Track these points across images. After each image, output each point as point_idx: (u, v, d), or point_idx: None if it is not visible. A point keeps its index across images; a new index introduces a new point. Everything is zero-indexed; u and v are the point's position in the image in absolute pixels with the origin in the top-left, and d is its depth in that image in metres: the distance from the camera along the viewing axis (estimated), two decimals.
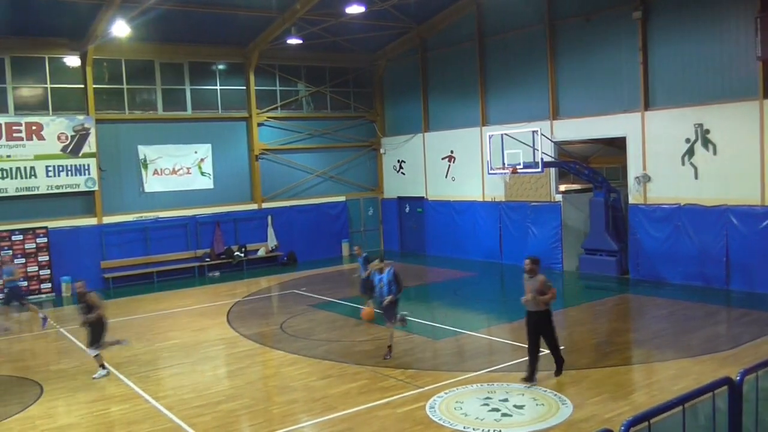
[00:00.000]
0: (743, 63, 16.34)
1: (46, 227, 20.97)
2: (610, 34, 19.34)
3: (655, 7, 18.13)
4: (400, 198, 27.34)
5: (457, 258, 23.92)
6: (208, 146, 24.18)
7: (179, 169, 23.61)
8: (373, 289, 13.76)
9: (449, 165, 24.78)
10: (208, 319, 16.73)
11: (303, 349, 13.35)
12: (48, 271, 21.01)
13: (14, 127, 20.57)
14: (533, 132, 18.61)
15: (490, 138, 19.81)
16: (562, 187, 21.37)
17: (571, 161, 20.74)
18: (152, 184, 23.10)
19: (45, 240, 20.93)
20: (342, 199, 27.09)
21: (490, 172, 19.98)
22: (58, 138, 21.19)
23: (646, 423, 4.70)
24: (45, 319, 16.36)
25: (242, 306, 18.22)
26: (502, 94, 22.72)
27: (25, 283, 20.49)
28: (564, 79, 20.72)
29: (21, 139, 20.66)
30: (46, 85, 21.44)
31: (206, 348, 14.02)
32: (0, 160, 20.35)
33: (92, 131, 21.71)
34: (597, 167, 21.39)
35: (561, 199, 20.99)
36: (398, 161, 27.29)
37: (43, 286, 20.94)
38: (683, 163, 17.66)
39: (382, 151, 27.94)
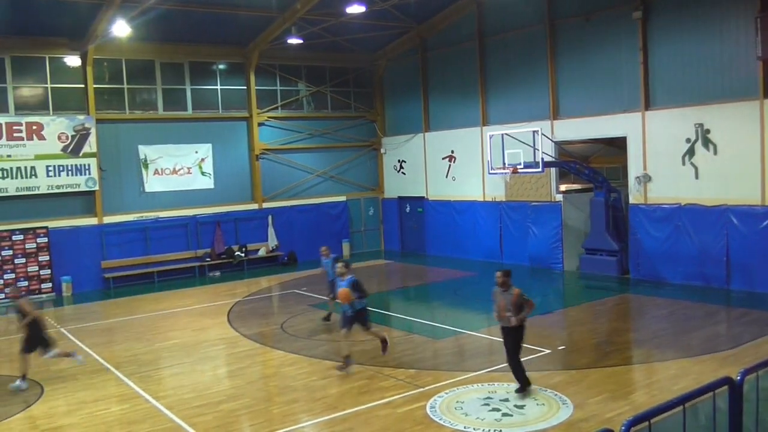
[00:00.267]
0: (743, 63, 16.34)
1: (46, 227, 20.97)
2: (610, 33, 19.35)
3: (655, 6, 18.14)
4: (400, 198, 27.34)
5: (457, 258, 23.93)
6: (209, 146, 24.19)
7: (180, 169, 23.61)
8: (334, 293, 13.05)
9: (449, 165, 24.79)
10: (209, 318, 16.74)
11: (303, 349, 13.36)
12: (48, 271, 21.00)
13: (15, 127, 20.57)
14: (533, 132, 18.63)
15: (490, 138, 19.82)
16: (563, 187, 21.38)
17: (571, 161, 20.75)
18: (153, 184, 23.11)
19: (45, 240, 20.92)
20: (342, 199, 27.10)
21: (490, 171, 19.99)
22: (59, 138, 21.20)
23: (647, 423, 4.70)
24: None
25: (243, 306, 18.23)
26: (502, 94, 22.73)
27: (26, 283, 20.55)
28: (564, 79, 20.73)
29: (21, 138, 20.66)
30: (46, 85, 21.45)
31: (207, 348, 14.03)
32: (0, 159, 20.36)
33: (93, 131, 21.71)
34: (597, 167, 21.40)
35: (561, 199, 20.99)
36: (399, 161, 27.29)
37: (43, 285, 20.93)
38: (683, 163, 17.66)
39: (382, 150, 27.95)
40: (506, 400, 9.79)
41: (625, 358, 12.14)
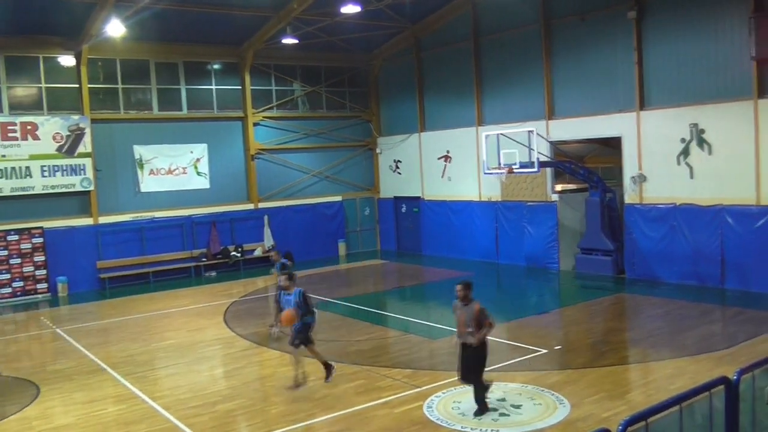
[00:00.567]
0: (738, 63, 16.41)
1: (41, 227, 20.91)
2: (605, 33, 19.39)
3: (650, 6, 18.19)
4: (396, 198, 27.36)
5: (453, 258, 23.96)
6: (204, 146, 24.15)
7: (175, 169, 23.57)
8: (281, 309, 11.36)
9: (445, 165, 24.81)
10: (205, 319, 16.73)
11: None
12: (44, 272, 20.95)
13: (9, 127, 20.51)
14: (529, 132, 18.66)
15: (486, 138, 19.84)
16: (558, 187, 21.43)
17: (566, 161, 20.79)
18: (148, 184, 23.07)
19: (41, 240, 20.87)
20: (338, 198, 27.10)
21: (486, 172, 20.01)
22: (54, 138, 21.14)
23: (644, 422, 4.73)
24: None
25: (239, 306, 18.22)
26: (497, 94, 22.76)
27: (22, 284, 20.52)
28: (559, 79, 20.77)
29: (16, 138, 20.61)
30: (40, 85, 21.39)
31: (203, 348, 14.01)
32: None
33: (87, 131, 21.66)
34: (593, 167, 21.44)
35: (557, 199, 21.04)
36: (394, 161, 27.30)
37: (39, 286, 20.88)
38: (678, 163, 17.71)
39: (378, 150, 27.96)
40: (503, 399, 9.81)
41: (621, 358, 12.18)
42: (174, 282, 22.33)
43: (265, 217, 25.10)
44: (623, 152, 19.08)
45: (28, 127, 20.81)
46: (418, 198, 26.16)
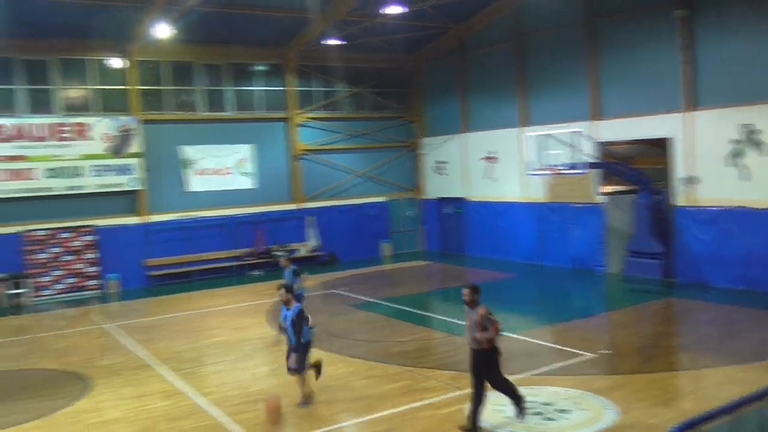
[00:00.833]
0: None
1: (92, 225, 21.46)
2: (653, 32, 18.99)
3: (702, 4, 17.75)
4: (439, 199, 27.28)
5: (497, 259, 23.76)
6: (249, 146, 24.48)
7: (221, 169, 23.94)
8: (281, 326, 10.62)
9: (489, 166, 24.63)
10: (248, 317, 16.91)
11: (343, 349, 13.40)
12: (95, 268, 21.49)
13: (62, 128, 21.11)
14: (575, 133, 18.37)
15: (530, 139, 19.60)
16: (606, 189, 21.04)
17: (614, 162, 20.43)
18: (194, 183, 23.49)
19: (92, 238, 21.43)
20: (382, 199, 27.14)
21: (531, 173, 19.80)
22: (104, 138, 21.68)
23: (694, 430, 4.62)
24: None
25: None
26: (542, 94, 22.47)
27: (74, 280, 21.10)
28: (606, 79, 20.39)
29: (68, 139, 21.20)
30: (92, 87, 21.96)
31: (247, 346, 14.16)
32: (48, 159, 20.89)
33: (136, 132, 22.15)
34: (641, 168, 21.01)
35: (604, 201, 20.68)
36: (438, 162, 27.22)
37: (90, 282, 21.42)
38: (731, 165, 17.25)
39: (421, 151, 27.91)
40: (549, 404, 9.68)
41: (670, 364, 11.92)
42: (218, 281, 22.64)
43: (310, 218, 25.28)
44: (673, 153, 18.67)
45: (80, 128, 21.37)
46: (462, 199, 26.03)
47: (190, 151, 23.41)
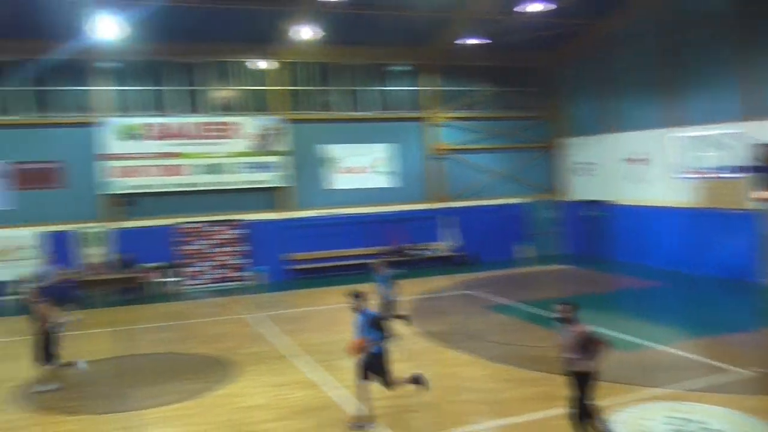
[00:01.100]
0: None
1: (239, 219, 22.70)
2: None
3: None
4: (581, 201, 26.46)
5: (640, 264, 22.70)
6: (387, 146, 24.96)
7: (361, 168, 24.60)
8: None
9: (634, 167, 23.57)
10: None
11: (478, 351, 13.32)
12: (243, 260, 22.74)
13: (210, 126, 22.51)
14: (731, 134, 17.19)
15: (681, 140, 18.55)
16: (762, 194, 19.50)
17: None
18: (337, 181, 24.28)
19: (240, 231, 22.66)
20: (521, 200, 26.72)
21: (681, 176, 18.72)
22: (250, 137, 22.86)
23: None
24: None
25: (417, 304, 18.52)
26: (693, 93, 21.06)
27: (223, 272, 22.44)
28: (764, 77, 18.82)
29: (215, 137, 22.58)
30: (238, 87, 23.30)
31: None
32: (196, 156, 22.35)
33: (281, 130, 23.19)
34: None
35: (761, 207, 19.19)
36: (580, 163, 26.40)
37: (238, 274, 22.68)
38: None
39: (564, 152, 27.19)
40: (703, 423, 9.07)
41: None
42: (355, 277, 23.10)
43: (450, 217, 25.34)
44: None
45: (227, 127, 22.68)
46: (605, 201, 25.09)
47: (332, 150, 24.20)
